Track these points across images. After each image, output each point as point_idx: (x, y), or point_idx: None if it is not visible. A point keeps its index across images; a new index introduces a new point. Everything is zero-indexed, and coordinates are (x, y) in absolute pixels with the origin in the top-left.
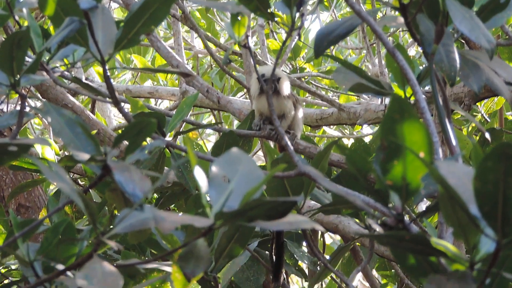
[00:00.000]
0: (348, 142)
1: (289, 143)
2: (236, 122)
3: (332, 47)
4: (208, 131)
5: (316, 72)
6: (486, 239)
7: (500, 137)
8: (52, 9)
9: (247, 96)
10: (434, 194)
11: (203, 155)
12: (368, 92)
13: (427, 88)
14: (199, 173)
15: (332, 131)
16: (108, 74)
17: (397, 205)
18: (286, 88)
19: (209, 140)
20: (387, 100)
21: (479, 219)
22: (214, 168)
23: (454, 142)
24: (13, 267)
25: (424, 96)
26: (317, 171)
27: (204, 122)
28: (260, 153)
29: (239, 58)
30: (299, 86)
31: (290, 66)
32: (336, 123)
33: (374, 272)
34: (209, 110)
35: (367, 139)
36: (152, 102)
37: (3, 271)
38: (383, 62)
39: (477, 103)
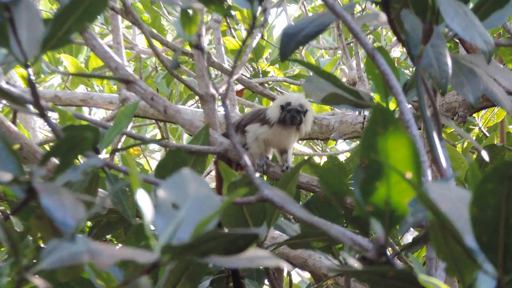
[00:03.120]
0: (320, 160)
1: (248, 162)
2: (186, 136)
3: (301, 47)
4: (152, 146)
5: (282, 76)
6: (485, 276)
7: (501, 155)
8: None
9: (199, 105)
10: (423, 222)
11: (147, 177)
12: (344, 104)
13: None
14: (142, 198)
15: (301, 147)
16: (33, 78)
17: (379, 235)
18: (309, 123)
19: (153, 157)
20: (366, 111)
21: (476, 252)
22: (160, 193)
23: (444, 161)
24: None
25: (410, 106)
26: (283, 195)
27: (148, 136)
28: (214, 173)
29: (190, 60)
30: (261, 93)
31: (251, 69)
32: (306, 138)
33: None
34: (153, 121)
35: (342, 157)
36: (85, 111)
37: None
38: (362, 65)
39: (473, 114)
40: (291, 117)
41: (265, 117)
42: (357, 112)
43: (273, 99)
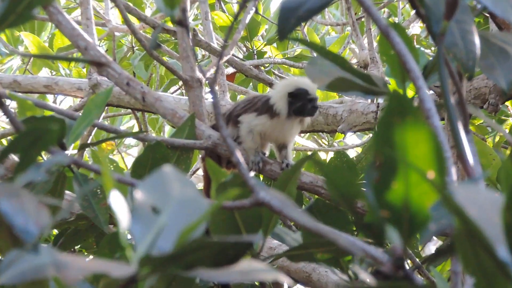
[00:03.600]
0: (326, 156)
1: (241, 159)
2: (168, 128)
3: (303, 23)
4: (129, 141)
5: (280, 58)
6: None
7: None
8: None
9: (183, 91)
10: (447, 230)
11: (122, 177)
12: (354, 90)
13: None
14: (116, 202)
15: (303, 141)
16: None
17: (396, 245)
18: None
19: (130, 153)
20: (380, 99)
21: (510, 266)
22: (138, 194)
23: (472, 158)
24: None
25: (432, 92)
26: (282, 198)
27: (123, 128)
28: (201, 172)
29: (173, 38)
30: (256, 78)
31: (244, 49)
32: (309, 130)
33: None
34: (129, 110)
35: (352, 153)
36: (49, 99)
37: None
38: (375, 44)
39: (506, 103)
40: (313, 108)
41: (264, 107)
42: (369, 100)
43: (270, 84)
